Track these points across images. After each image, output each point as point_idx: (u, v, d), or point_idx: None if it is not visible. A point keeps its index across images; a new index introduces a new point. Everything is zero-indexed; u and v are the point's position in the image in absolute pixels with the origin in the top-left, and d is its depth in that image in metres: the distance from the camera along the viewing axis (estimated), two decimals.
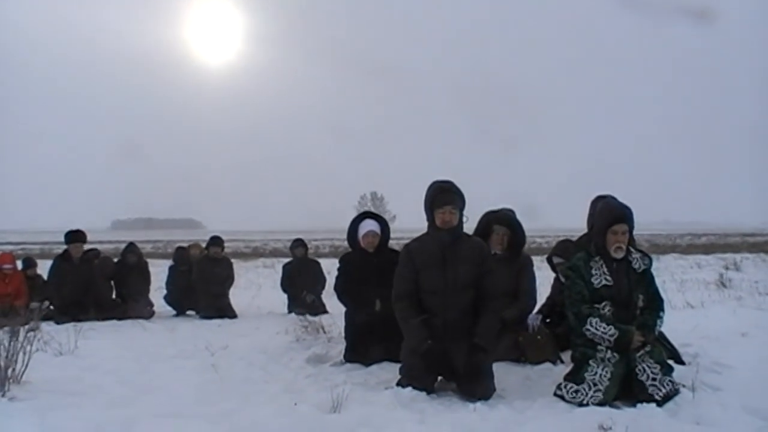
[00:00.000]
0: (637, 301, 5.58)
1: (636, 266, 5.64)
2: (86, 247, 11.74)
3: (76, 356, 7.39)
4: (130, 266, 12.17)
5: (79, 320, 10.25)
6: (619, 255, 5.59)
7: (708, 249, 36.37)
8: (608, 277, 5.57)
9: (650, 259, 5.80)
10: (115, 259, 12.67)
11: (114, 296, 11.85)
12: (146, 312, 11.63)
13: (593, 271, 5.60)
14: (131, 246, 12.58)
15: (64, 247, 11.62)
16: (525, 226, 7.07)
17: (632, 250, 5.73)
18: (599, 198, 6.57)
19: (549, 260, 7.43)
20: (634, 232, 5.94)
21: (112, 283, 11.92)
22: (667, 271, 19.35)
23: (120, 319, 11.01)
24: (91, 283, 11.31)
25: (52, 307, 11.09)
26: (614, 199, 5.98)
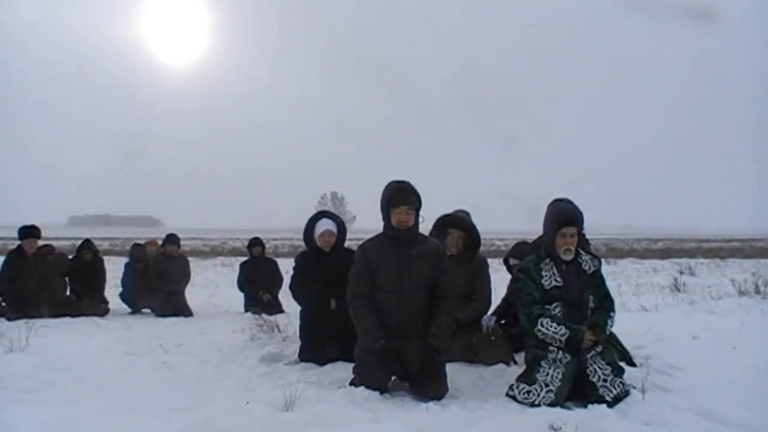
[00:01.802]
0: (588, 302, 5.64)
1: (586, 268, 5.71)
2: (41, 242, 11.60)
3: (27, 353, 7.28)
4: (85, 263, 12.05)
5: (32, 317, 10.12)
6: (568, 257, 5.65)
7: (664, 254, 36.88)
8: (558, 279, 5.63)
9: (600, 261, 5.88)
10: (71, 256, 12.55)
11: (68, 293, 11.72)
12: (101, 309, 11.52)
13: (543, 273, 5.66)
14: (87, 243, 12.45)
15: (18, 242, 11.46)
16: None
17: (582, 252, 5.79)
18: (556, 201, 6.62)
19: (505, 262, 7.47)
20: (590, 235, 6.00)
21: (67, 279, 11.79)
22: (623, 275, 19.60)
23: (74, 316, 10.88)
24: (44, 280, 11.15)
25: (3, 303, 10.96)
26: (568, 202, 6.03)
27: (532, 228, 6.06)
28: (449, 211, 7.38)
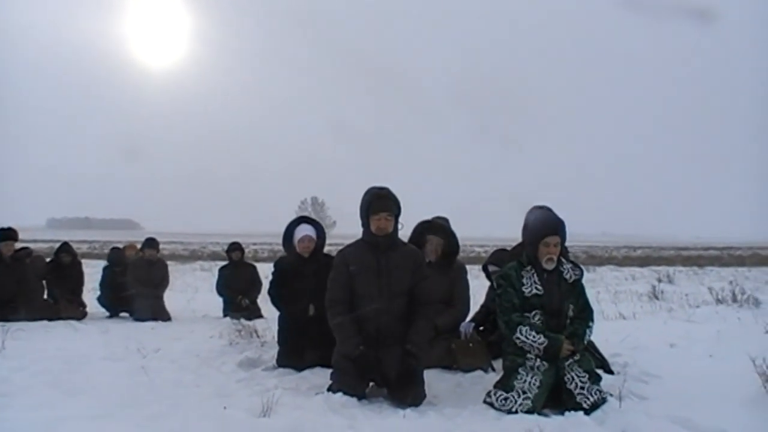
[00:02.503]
0: (568, 311, 5.65)
1: (567, 276, 5.72)
2: (18, 245, 11.50)
3: (4, 357, 7.25)
4: (63, 266, 11.98)
5: (8, 320, 10.03)
6: (550, 266, 5.66)
7: (643, 261, 37.07)
8: (539, 287, 5.64)
9: (581, 270, 5.89)
10: (48, 259, 12.47)
11: (46, 296, 11.63)
12: (78, 313, 11.44)
13: (524, 280, 5.67)
14: (65, 245, 12.39)
15: None
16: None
17: (564, 260, 5.81)
18: (536, 208, 6.63)
19: (484, 269, 7.47)
20: (569, 243, 6.02)
21: (44, 282, 11.71)
22: (602, 283, 19.66)
23: (51, 319, 10.77)
24: (21, 283, 11.06)
25: None
26: (549, 210, 6.05)
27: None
28: (439, 214, 7.42)
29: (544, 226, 5.72)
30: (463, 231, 7.37)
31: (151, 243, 12.60)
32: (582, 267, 6.02)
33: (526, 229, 5.96)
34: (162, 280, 12.35)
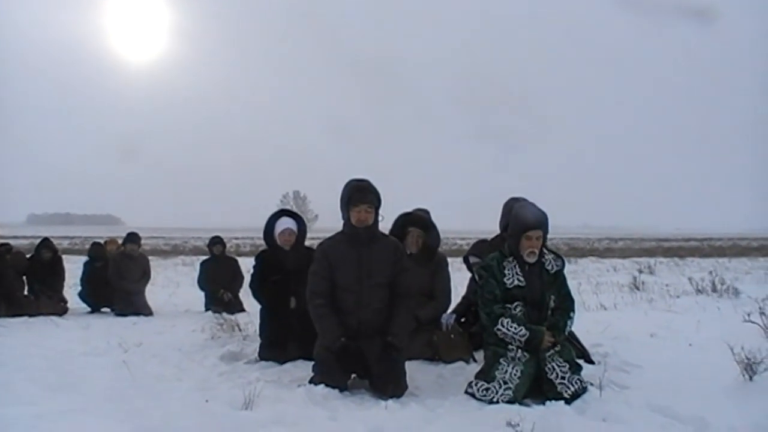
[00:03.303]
0: (549, 302, 5.66)
1: (549, 267, 5.73)
2: None
3: None
4: (43, 262, 11.91)
5: None
6: (532, 260, 5.66)
7: (624, 253, 37.23)
8: (521, 278, 5.64)
9: (563, 261, 5.90)
10: (29, 255, 12.41)
11: (26, 292, 11.58)
12: (59, 308, 11.41)
13: (506, 272, 5.67)
14: (46, 241, 12.31)
15: None
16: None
17: (546, 251, 5.82)
18: (513, 200, 6.65)
19: (465, 260, 7.48)
20: (551, 234, 6.03)
21: (25, 278, 11.65)
22: (583, 274, 19.74)
23: (32, 315, 10.78)
24: (1, 279, 11.04)
25: None
26: (527, 201, 6.06)
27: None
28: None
29: (527, 219, 5.71)
30: (446, 224, 7.36)
31: (132, 238, 12.53)
32: (563, 258, 6.04)
33: (507, 220, 5.97)
34: (143, 275, 12.32)
